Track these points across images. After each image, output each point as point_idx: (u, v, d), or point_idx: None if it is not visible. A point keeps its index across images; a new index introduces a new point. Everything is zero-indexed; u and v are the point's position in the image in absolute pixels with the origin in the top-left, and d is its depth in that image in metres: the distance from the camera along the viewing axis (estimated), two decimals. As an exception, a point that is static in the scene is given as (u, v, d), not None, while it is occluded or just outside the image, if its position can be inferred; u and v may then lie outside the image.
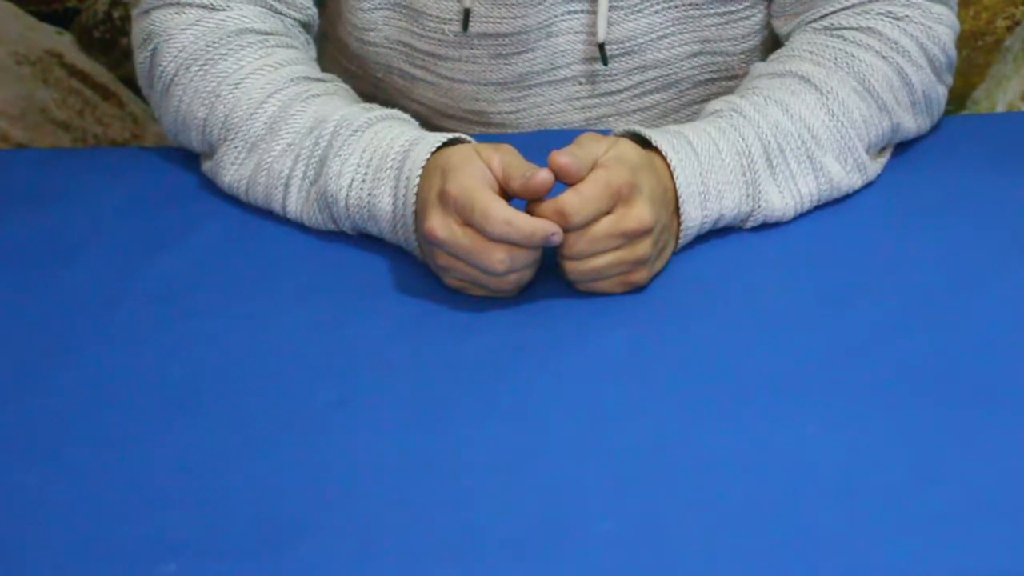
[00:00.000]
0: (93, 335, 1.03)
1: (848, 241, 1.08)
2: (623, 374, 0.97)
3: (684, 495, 0.87)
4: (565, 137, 1.05)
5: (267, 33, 1.18)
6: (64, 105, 1.86)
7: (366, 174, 1.08)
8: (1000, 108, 1.84)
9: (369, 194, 1.08)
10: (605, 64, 1.21)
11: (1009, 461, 0.88)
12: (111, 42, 1.86)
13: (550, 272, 1.05)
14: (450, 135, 1.08)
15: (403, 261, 1.08)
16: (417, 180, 1.05)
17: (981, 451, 0.89)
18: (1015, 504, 0.85)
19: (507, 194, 1.02)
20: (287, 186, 1.12)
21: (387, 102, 1.26)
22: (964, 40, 1.28)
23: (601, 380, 0.96)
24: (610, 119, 1.26)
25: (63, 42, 1.85)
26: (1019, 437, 0.90)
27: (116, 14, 1.84)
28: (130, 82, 1.81)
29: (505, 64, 1.22)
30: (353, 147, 1.09)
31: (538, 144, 1.06)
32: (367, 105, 1.15)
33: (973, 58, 1.80)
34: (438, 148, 1.06)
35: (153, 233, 1.13)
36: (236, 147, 1.14)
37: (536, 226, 0.99)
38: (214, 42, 1.16)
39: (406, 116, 1.14)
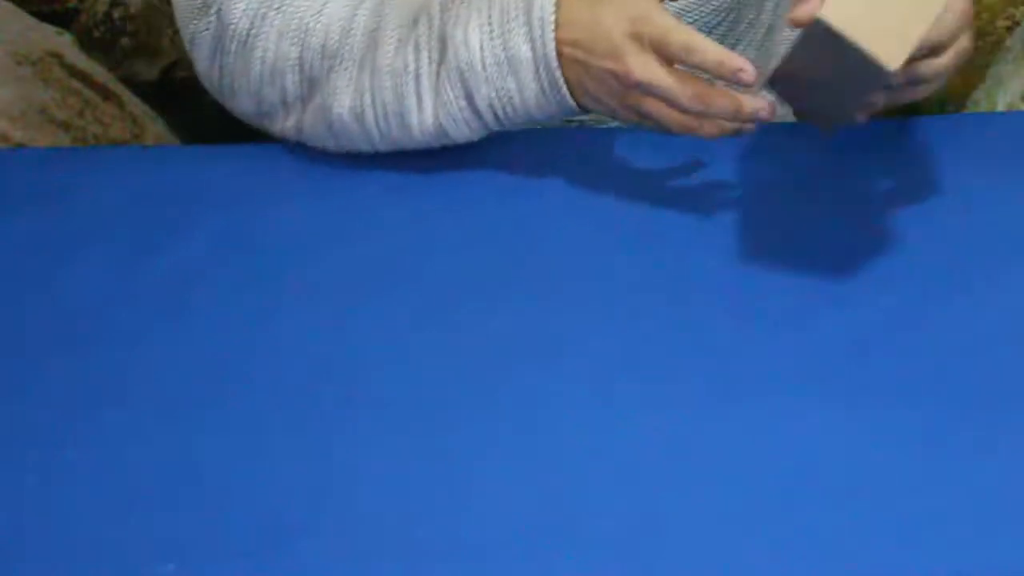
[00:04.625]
0: (93, 335, 1.03)
1: (847, 240, 1.08)
2: (624, 373, 0.97)
3: (685, 494, 0.87)
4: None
5: None
6: (64, 105, 1.86)
7: (492, 31, 1.07)
8: (1000, 108, 1.83)
9: (504, 48, 1.07)
10: None
11: (1009, 461, 0.88)
12: (111, 42, 1.86)
13: (551, 270, 1.05)
14: None
15: (403, 261, 1.08)
16: (552, 20, 1.04)
17: (980, 451, 0.89)
18: (1015, 504, 0.85)
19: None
20: (417, 77, 1.10)
21: None
22: (964, 40, 1.29)
23: (602, 379, 0.96)
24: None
25: (63, 42, 1.84)
26: (1017, 437, 0.90)
27: (116, 14, 1.84)
28: (130, 82, 1.81)
29: None
30: (468, 12, 1.08)
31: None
32: None
33: (973, 58, 1.79)
34: None
35: (153, 233, 1.13)
36: (346, 69, 1.13)
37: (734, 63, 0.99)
38: None
39: None
